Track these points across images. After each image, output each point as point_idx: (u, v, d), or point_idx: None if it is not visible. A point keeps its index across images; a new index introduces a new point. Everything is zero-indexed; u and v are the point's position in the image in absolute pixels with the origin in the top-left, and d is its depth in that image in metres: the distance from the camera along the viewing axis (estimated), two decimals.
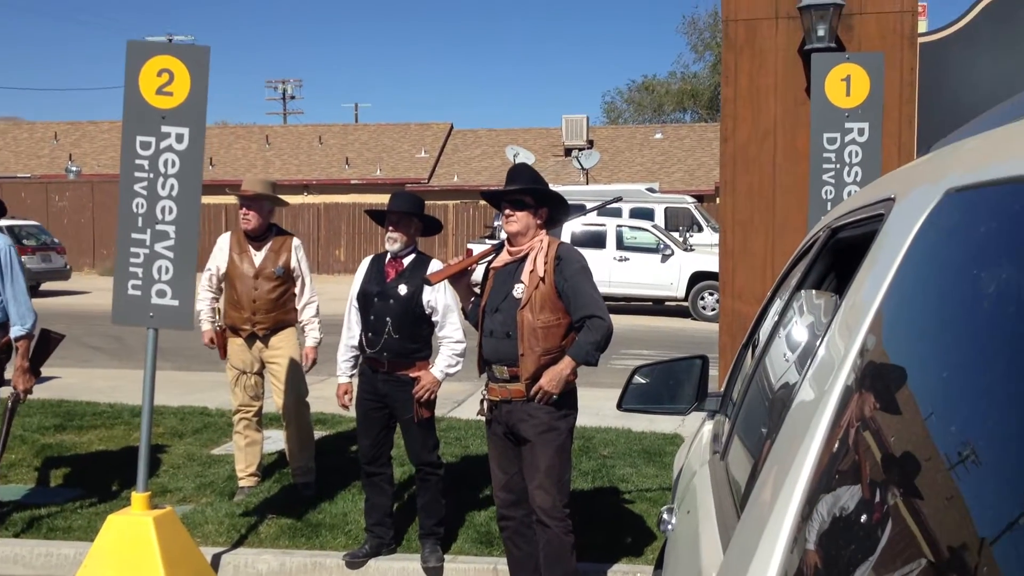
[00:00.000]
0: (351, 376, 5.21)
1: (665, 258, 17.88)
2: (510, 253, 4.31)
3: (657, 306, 18.70)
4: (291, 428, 6.06)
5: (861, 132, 5.47)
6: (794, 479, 1.24)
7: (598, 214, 17.31)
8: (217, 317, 6.08)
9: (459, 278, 4.46)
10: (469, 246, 18.56)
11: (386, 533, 5.16)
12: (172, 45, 4.92)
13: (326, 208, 29.21)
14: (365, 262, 5.26)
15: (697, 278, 17.65)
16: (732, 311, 6.53)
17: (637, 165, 34.33)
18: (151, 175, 4.68)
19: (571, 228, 17.09)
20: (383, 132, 37.52)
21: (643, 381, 3.15)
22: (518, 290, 4.19)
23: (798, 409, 1.45)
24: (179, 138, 4.68)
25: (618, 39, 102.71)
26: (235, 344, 6.00)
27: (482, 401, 4.39)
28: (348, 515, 5.65)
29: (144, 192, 4.69)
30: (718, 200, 7.71)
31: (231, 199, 6.38)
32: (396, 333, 4.91)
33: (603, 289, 4.41)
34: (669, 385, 3.13)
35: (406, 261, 5.05)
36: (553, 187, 4.45)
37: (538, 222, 4.28)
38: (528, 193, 4.25)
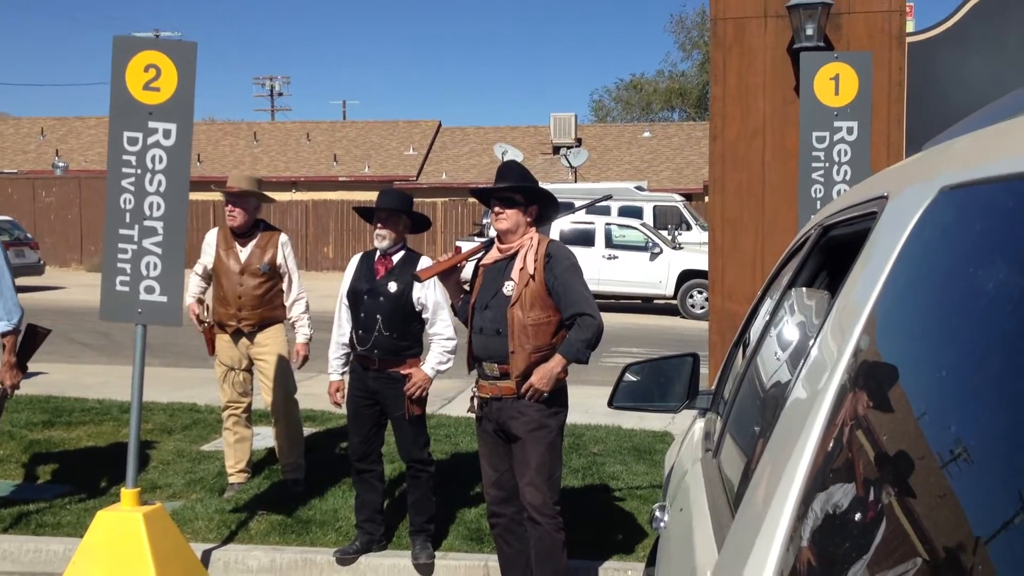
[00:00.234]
0: (342, 373, 5.20)
1: (654, 256, 17.90)
2: (500, 250, 4.30)
3: (646, 304, 18.73)
4: (280, 425, 6.05)
5: (850, 131, 5.49)
6: (789, 478, 1.24)
7: (587, 212, 17.32)
8: (206, 313, 6.07)
9: (448, 275, 4.45)
10: (458, 244, 18.54)
11: (376, 530, 5.16)
12: (159, 41, 4.90)
13: (314, 205, 29.14)
14: (354, 259, 5.25)
15: (686, 276, 17.68)
16: (722, 309, 6.55)
17: (625, 163, 34.37)
18: (138, 171, 4.66)
19: (560, 226, 17.09)
20: (371, 129, 37.46)
21: (634, 379, 3.16)
22: (508, 287, 4.19)
23: (792, 408, 1.45)
24: (166, 134, 4.66)
25: (606, 38, 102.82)
26: (223, 340, 5.99)
27: (472, 398, 4.39)
28: (338, 511, 5.65)
29: (132, 188, 4.66)
30: (706, 199, 7.72)
31: (218, 196, 6.36)
32: (387, 330, 4.91)
33: (592, 287, 4.40)
34: (660, 383, 3.13)
35: (395, 258, 5.05)
36: (542, 185, 4.45)
37: (528, 220, 4.27)
38: (518, 191, 4.24)
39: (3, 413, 5.61)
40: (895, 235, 1.28)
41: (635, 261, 17.93)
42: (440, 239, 27.08)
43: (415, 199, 5.48)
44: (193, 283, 6.11)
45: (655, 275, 17.87)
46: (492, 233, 4.46)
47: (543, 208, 4.34)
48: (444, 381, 7.86)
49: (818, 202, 5.42)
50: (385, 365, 4.95)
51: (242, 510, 5.66)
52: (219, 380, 6.09)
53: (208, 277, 6.11)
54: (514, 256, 4.23)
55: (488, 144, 34.21)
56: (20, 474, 6.45)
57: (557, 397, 4.24)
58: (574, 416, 5.45)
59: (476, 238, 18.84)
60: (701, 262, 16.14)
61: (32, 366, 5.51)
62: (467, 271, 4.69)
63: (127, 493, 4.66)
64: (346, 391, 5.14)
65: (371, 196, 26.02)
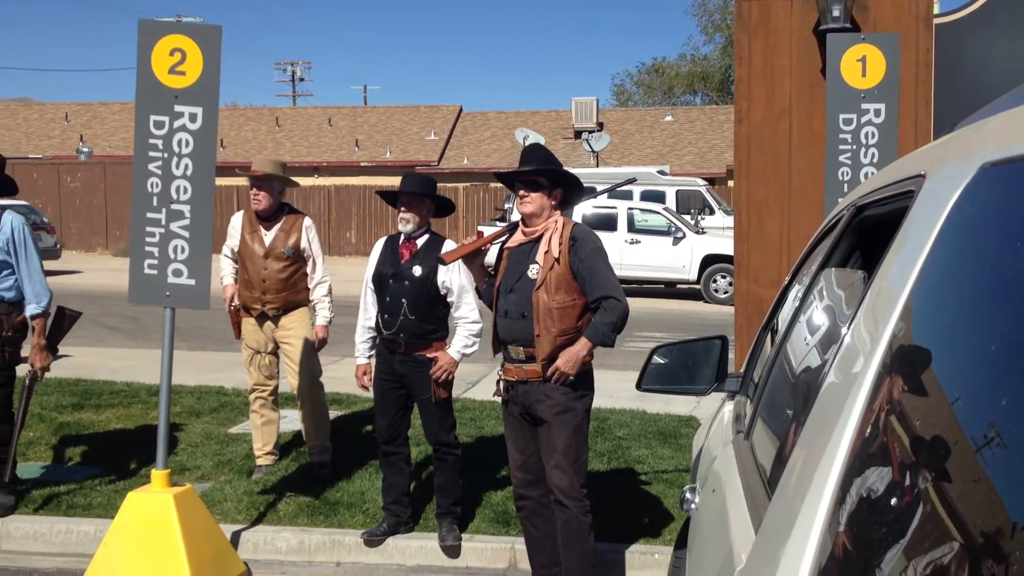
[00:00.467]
0: (369, 357, 5.22)
1: (677, 241, 17.84)
2: (524, 234, 4.30)
3: (669, 289, 18.68)
4: (306, 408, 6.09)
5: (877, 113, 5.44)
6: (828, 463, 1.23)
7: (609, 196, 17.27)
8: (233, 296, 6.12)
9: (473, 258, 4.45)
10: (480, 228, 18.54)
11: (403, 512, 5.19)
12: (184, 24, 4.91)
13: (336, 190, 29.22)
14: (379, 243, 5.26)
15: (709, 261, 17.61)
16: (747, 293, 6.52)
17: (647, 148, 34.22)
18: (165, 155, 4.68)
19: (582, 210, 17.05)
20: (392, 114, 37.45)
21: (662, 361, 3.15)
22: (533, 271, 4.19)
23: (827, 393, 1.44)
24: (192, 117, 4.68)
25: (628, 22, 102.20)
26: (248, 324, 6.02)
27: (498, 381, 4.40)
28: (365, 494, 5.68)
29: (159, 172, 4.69)
30: (730, 183, 7.68)
31: (242, 181, 6.41)
32: (412, 314, 4.92)
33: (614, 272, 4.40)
34: (688, 365, 3.12)
35: (420, 242, 5.05)
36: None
37: (553, 203, 4.26)
38: (542, 174, 4.24)
39: (33, 395, 5.67)
40: (934, 214, 1.25)
41: (658, 245, 17.87)
42: (462, 224, 27.10)
43: (437, 184, 5.47)
44: (226, 265, 6.18)
45: (678, 259, 17.81)
46: (514, 217, 4.45)
47: (568, 191, 4.33)
48: (468, 365, 7.88)
49: (845, 185, 5.37)
50: (411, 349, 4.97)
51: (270, 492, 5.71)
52: (245, 363, 6.13)
53: (237, 259, 6.15)
54: (539, 239, 4.23)
55: (509, 129, 34.15)
56: (50, 456, 6.52)
57: (583, 380, 4.25)
58: (598, 400, 5.44)
59: (498, 223, 18.81)
60: (724, 246, 16.07)
61: (59, 348, 5.57)
62: (491, 255, 4.70)
63: (157, 474, 4.71)
64: (373, 374, 5.16)
65: (393, 181, 26.03)
